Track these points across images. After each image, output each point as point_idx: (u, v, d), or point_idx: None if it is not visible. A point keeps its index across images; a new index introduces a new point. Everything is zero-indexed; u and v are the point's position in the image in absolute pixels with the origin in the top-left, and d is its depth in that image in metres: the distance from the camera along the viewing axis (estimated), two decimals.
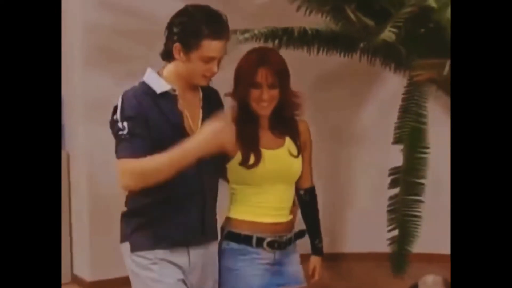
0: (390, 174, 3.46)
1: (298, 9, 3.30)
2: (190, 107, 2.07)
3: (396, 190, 3.46)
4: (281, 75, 2.13)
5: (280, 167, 2.17)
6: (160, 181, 1.93)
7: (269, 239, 2.16)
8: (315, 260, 2.33)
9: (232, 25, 2.07)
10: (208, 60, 1.99)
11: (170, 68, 2.07)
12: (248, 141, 2.13)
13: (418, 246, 3.48)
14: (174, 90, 2.04)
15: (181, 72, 2.04)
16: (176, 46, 2.00)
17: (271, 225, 2.18)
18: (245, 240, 2.15)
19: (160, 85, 2.04)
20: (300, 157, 2.21)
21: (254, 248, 2.15)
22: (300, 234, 2.26)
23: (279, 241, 2.18)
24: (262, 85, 2.11)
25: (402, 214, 3.44)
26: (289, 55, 2.40)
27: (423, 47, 3.07)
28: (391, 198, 3.46)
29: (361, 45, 3.19)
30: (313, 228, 2.32)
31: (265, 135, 2.18)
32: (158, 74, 2.08)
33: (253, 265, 2.15)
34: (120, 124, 1.97)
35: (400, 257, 3.46)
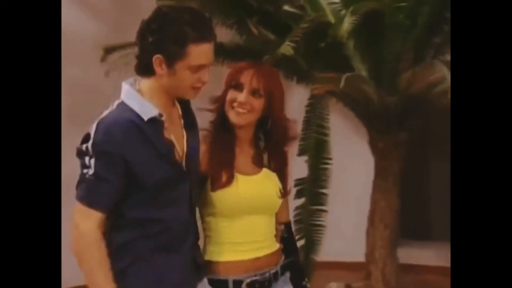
0: (295, 185, 3.52)
1: None
2: (174, 129, 1.74)
3: (301, 201, 3.53)
4: (270, 89, 1.86)
5: (256, 194, 1.90)
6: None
7: (248, 280, 1.88)
8: None
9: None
10: (197, 69, 1.65)
11: (149, 84, 1.69)
12: (220, 159, 1.85)
13: (322, 254, 3.56)
14: (161, 115, 1.68)
15: (165, 87, 1.68)
16: (157, 58, 1.64)
17: (250, 262, 1.91)
18: (221, 285, 1.87)
19: (145, 110, 1.66)
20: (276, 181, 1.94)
21: None
22: (289, 266, 1.99)
23: (261, 280, 1.89)
24: (243, 86, 1.84)
25: (307, 224, 3.51)
26: None
27: (323, 61, 3.17)
28: (296, 208, 3.53)
29: (265, 58, 3.25)
30: (297, 266, 2.03)
31: (244, 159, 1.91)
32: (137, 91, 1.69)
33: None
34: (87, 160, 1.63)
35: (305, 265, 3.52)
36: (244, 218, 1.89)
